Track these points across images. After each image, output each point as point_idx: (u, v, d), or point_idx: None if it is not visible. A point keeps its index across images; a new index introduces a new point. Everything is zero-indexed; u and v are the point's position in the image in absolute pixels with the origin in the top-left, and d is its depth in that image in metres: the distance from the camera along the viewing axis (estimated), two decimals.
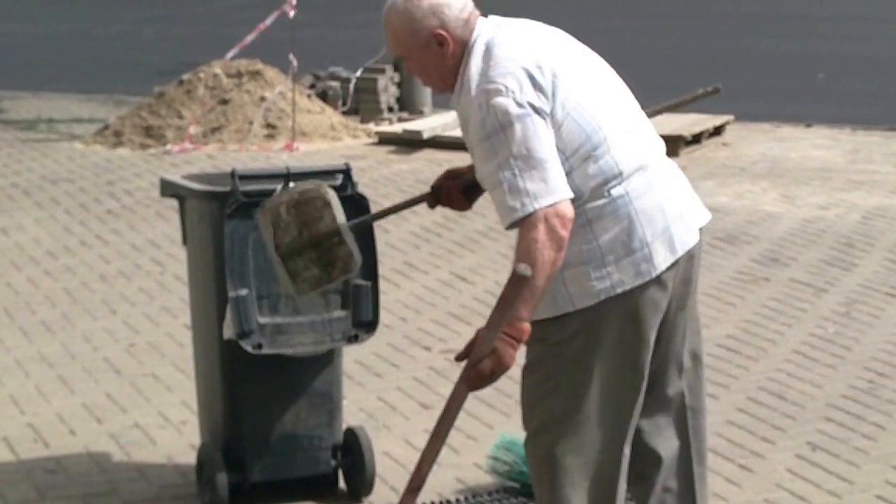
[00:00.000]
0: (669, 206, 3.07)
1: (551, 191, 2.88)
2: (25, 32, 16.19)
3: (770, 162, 8.81)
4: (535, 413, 3.10)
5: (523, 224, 2.88)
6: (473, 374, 2.86)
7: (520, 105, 2.91)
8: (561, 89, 2.97)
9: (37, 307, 5.95)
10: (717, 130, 9.41)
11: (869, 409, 4.74)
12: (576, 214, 2.95)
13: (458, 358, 2.91)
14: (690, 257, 3.13)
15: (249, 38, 9.73)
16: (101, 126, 9.92)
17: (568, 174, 2.94)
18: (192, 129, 9.33)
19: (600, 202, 2.99)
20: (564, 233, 2.89)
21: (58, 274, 6.44)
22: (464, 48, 3.02)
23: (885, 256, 6.65)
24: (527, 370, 3.13)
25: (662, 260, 3.04)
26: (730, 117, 9.56)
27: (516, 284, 2.75)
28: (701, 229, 3.17)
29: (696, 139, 9.13)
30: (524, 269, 2.74)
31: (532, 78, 2.95)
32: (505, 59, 2.96)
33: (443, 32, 2.99)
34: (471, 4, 3.07)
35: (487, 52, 2.99)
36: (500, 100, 2.91)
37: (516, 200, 2.87)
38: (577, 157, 2.97)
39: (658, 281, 3.04)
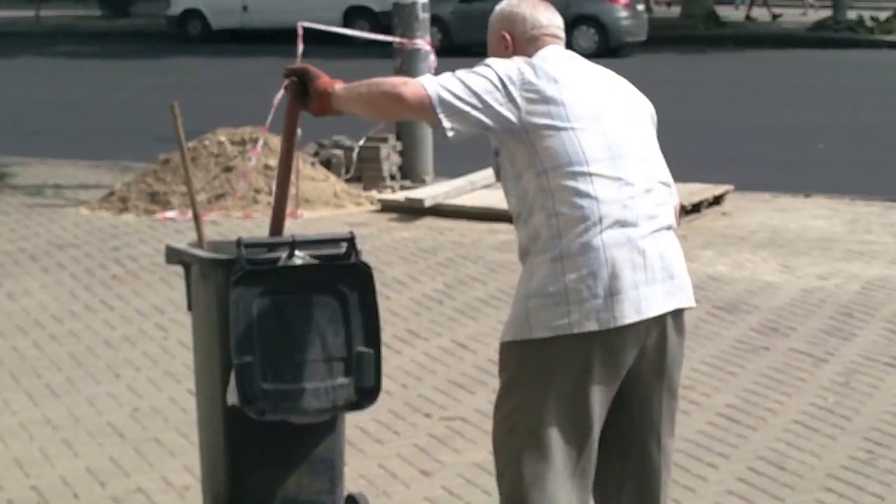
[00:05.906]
0: (643, 269, 3.14)
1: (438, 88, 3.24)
2: (32, 100, 16.35)
3: (769, 231, 8.86)
4: (500, 451, 3.22)
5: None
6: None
7: (502, 75, 3.24)
8: (566, 118, 3.19)
9: (42, 371, 5.99)
10: (717, 200, 9.48)
11: (868, 479, 4.75)
12: (550, 247, 3.11)
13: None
14: (663, 331, 3.18)
15: (268, 120, 9.53)
16: (107, 192, 9.99)
17: (544, 191, 3.13)
18: (198, 196, 9.37)
19: (576, 242, 3.10)
20: (410, 103, 3.24)
21: (63, 338, 6.48)
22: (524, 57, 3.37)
23: (885, 326, 6.67)
24: (496, 405, 3.26)
25: (624, 315, 3.12)
26: (729, 187, 9.63)
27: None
28: (684, 311, 3.26)
29: (696, 208, 9.20)
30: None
31: (535, 74, 3.24)
32: (535, 61, 3.30)
33: (507, 36, 3.43)
34: (546, 30, 3.41)
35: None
36: (500, 62, 3.30)
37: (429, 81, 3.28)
38: (555, 173, 3.13)
39: (618, 334, 3.12)
